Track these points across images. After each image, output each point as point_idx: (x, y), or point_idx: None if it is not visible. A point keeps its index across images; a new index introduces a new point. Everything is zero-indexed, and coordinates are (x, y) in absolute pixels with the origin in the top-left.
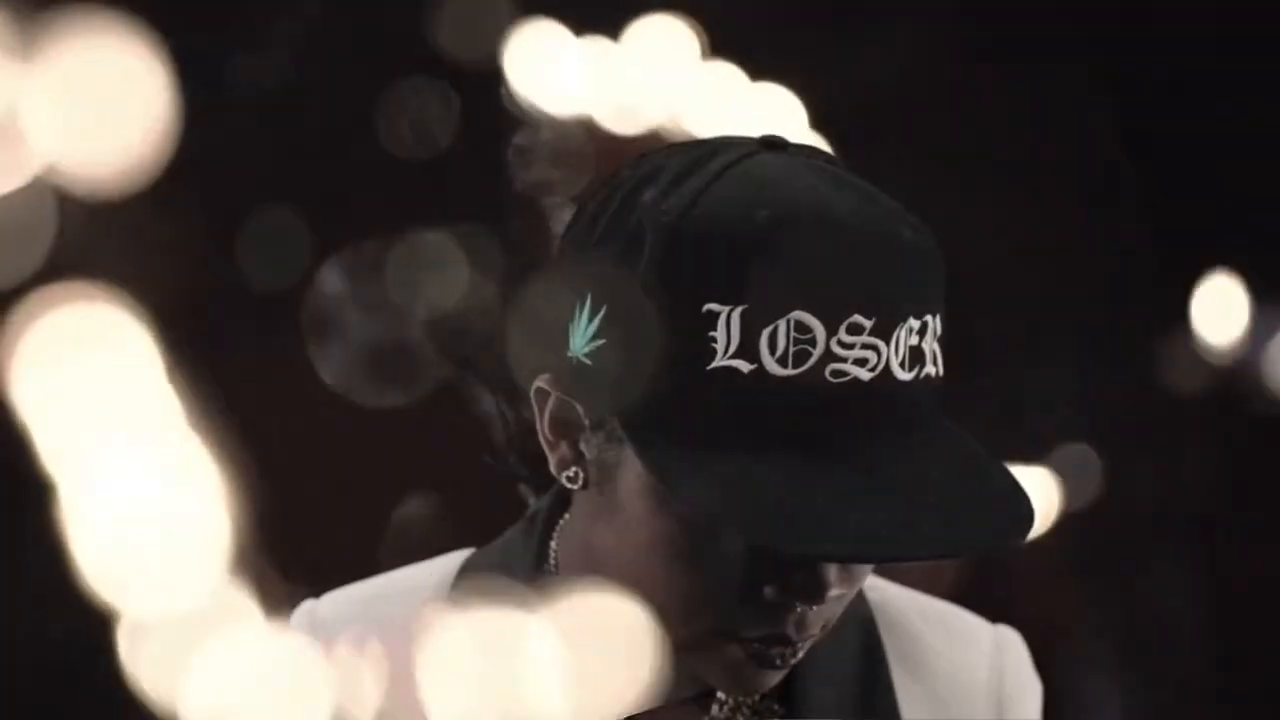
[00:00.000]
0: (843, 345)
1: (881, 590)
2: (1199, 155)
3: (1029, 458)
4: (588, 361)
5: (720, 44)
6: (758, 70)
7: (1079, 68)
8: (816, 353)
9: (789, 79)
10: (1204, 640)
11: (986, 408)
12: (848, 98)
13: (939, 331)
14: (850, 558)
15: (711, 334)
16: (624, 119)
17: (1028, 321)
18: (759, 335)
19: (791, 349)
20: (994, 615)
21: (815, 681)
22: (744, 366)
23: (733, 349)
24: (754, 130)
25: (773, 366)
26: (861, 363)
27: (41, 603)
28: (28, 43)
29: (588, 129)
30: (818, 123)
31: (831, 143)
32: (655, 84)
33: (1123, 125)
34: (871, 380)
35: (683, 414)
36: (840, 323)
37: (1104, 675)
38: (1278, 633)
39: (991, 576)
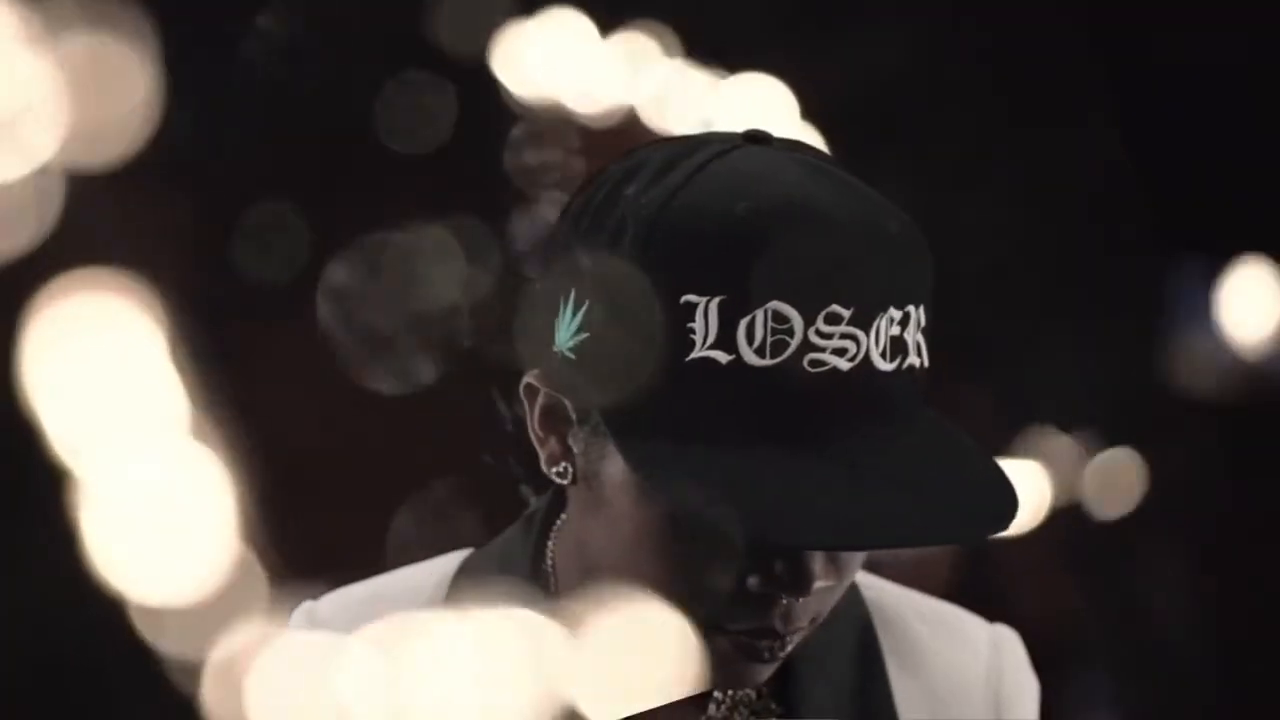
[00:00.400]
0: (821, 335)
1: (878, 589)
2: (1199, 148)
3: (1023, 451)
4: (571, 356)
5: (712, 38)
6: (749, 64)
7: (1078, 64)
8: (794, 343)
9: (781, 73)
10: (1201, 637)
11: (984, 401)
12: (841, 92)
13: (923, 323)
14: (829, 547)
15: (690, 325)
16: (615, 113)
17: (1024, 315)
18: (736, 326)
19: (769, 339)
20: (987, 611)
21: (812, 680)
22: (722, 357)
23: (711, 340)
24: (745, 124)
25: (750, 357)
26: (840, 352)
27: (54, 589)
28: (37, 33)
29: (581, 123)
30: (812, 117)
31: (825, 135)
32: (647, 78)
33: (1121, 118)
34: (851, 370)
35: (663, 405)
36: (818, 312)
37: (1099, 671)
38: (1275, 629)
39: (986, 572)
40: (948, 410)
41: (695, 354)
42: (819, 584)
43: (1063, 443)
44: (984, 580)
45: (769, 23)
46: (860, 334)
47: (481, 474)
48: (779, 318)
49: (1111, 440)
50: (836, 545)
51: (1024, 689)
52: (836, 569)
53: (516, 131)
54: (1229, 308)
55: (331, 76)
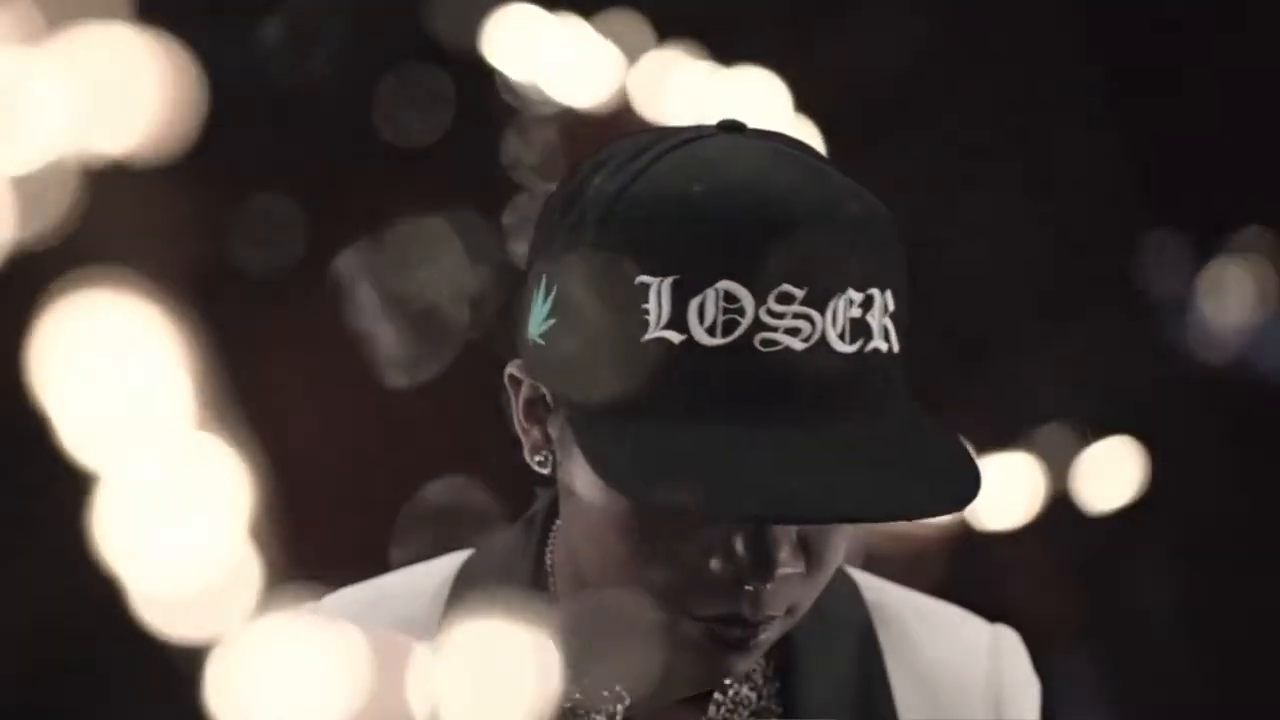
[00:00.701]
0: (772, 315)
1: (878, 590)
2: (1195, 140)
3: (1016, 443)
4: (542, 342)
5: (709, 30)
6: (745, 57)
7: (1074, 58)
8: (745, 322)
9: (777, 66)
10: (1197, 630)
11: (976, 392)
12: (836, 85)
13: (892, 308)
14: (756, 517)
15: (645, 306)
16: (613, 106)
17: (1017, 306)
18: (688, 305)
19: (720, 318)
20: (978, 602)
21: (812, 682)
22: (675, 337)
23: (664, 320)
24: (742, 117)
25: (702, 336)
26: (794, 333)
27: (58, 583)
28: (45, 26)
29: (577, 117)
30: (815, 111)
31: (820, 129)
32: (643, 71)
33: (1116, 110)
34: (805, 351)
35: (621, 387)
36: (768, 292)
37: (1092, 665)
38: (1268, 623)
39: (979, 564)
40: (940, 401)
41: (650, 334)
42: (785, 570)
43: (1056, 434)
44: (976, 572)
45: (765, 16)
46: (815, 314)
47: (491, 473)
48: (729, 297)
49: (1106, 431)
50: (766, 515)
51: (1025, 690)
52: (807, 556)
53: (513, 124)
54: (1223, 297)
55: (328, 67)
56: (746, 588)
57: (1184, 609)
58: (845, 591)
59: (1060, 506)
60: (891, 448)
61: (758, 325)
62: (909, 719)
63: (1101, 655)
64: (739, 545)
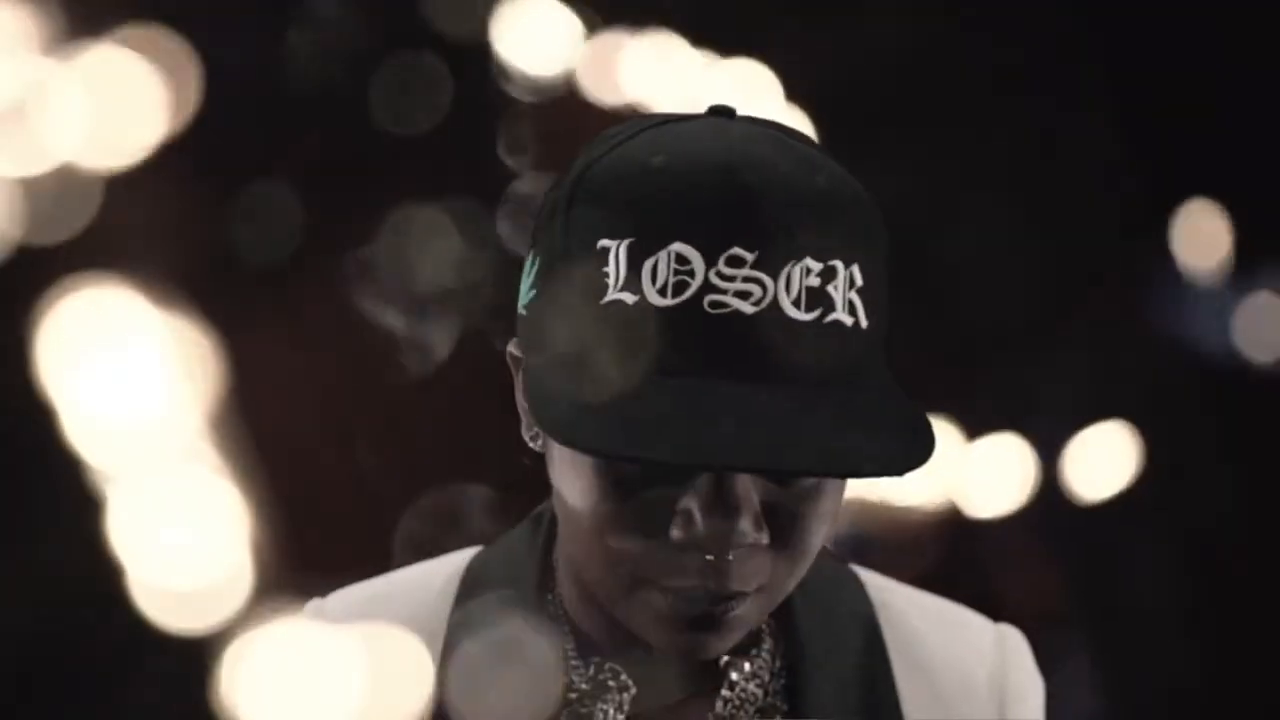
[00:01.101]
0: (722, 277)
1: (883, 588)
2: (1195, 130)
3: (1012, 429)
4: (525, 314)
5: (708, 22)
6: (743, 47)
7: (1078, 51)
8: (695, 284)
9: (774, 57)
10: (1184, 620)
11: (977, 379)
12: (837, 77)
13: (859, 282)
14: (671, 461)
15: (605, 269)
16: (609, 94)
17: (1016, 294)
18: (641, 267)
19: (671, 280)
20: (969, 592)
21: (817, 679)
22: (629, 298)
23: (621, 282)
24: (738, 106)
25: (654, 297)
26: (744, 296)
27: (61, 583)
28: (54, 36)
29: (577, 105)
30: (814, 103)
31: (814, 121)
32: (640, 61)
33: (1111, 100)
34: (755, 314)
35: (581, 350)
36: (719, 254)
37: (1081, 653)
38: (1261, 612)
39: (969, 551)
40: (935, 387)
41: (609, 297)
42: (744, 540)
43: (1048, 420)
44: (967, 558)
45: (762, 7)
46: (766, 279)
47: (496, 470)
48: (680, 259)
49: (1098, 418)
50: (673, 460)
51: (1029, 688)
52: (773, 531)
53: (513, 111)
54: (1217, 286)
55: (327, 57)
56: (708, 558)
57: (1176, 597)
58: (851, 589)
59: (1051, 493)
60: (839, 411)
61: (707, 287)
62: (914, 718)
63: (1091, 642)
64: (697, 513)
